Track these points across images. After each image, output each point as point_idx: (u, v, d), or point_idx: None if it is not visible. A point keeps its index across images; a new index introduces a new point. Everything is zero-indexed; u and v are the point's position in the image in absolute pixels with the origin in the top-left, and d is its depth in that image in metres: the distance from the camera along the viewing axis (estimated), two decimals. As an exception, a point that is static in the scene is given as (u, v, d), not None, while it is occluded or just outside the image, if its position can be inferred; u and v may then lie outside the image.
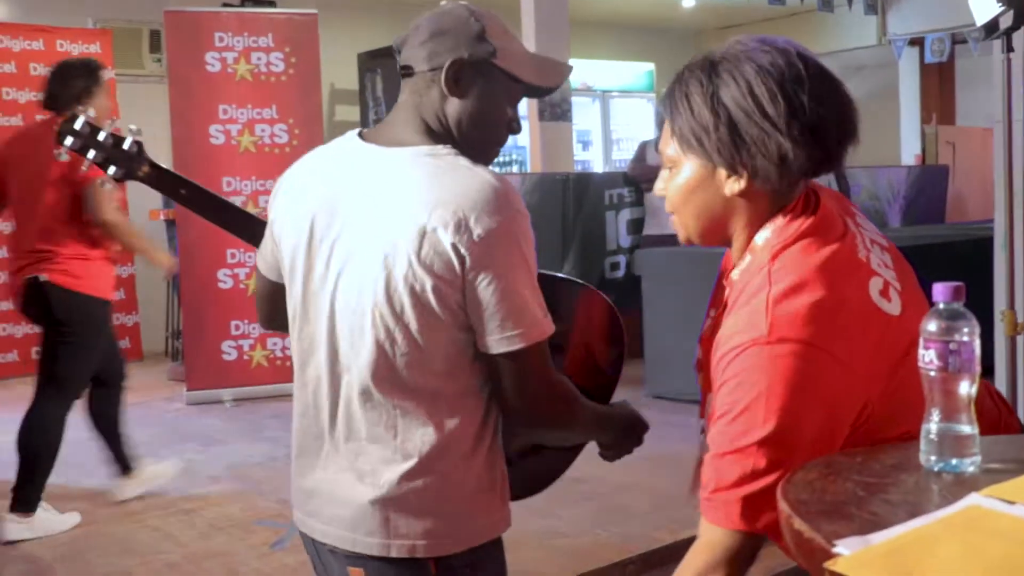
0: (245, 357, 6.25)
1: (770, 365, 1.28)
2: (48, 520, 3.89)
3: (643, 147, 6.98)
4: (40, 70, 7.52)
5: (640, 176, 6.89)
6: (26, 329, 7.42)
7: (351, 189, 1.50)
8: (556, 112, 7.23)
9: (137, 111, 8.18)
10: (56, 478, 4.56)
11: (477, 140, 1.57)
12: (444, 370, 1.47)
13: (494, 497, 1.54)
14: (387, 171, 1.48)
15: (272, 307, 1.69)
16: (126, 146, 1.98)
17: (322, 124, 8.62)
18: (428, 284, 1.41)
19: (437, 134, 1.53)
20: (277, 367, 6.23)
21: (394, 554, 1.46)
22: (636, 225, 7.09)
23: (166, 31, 6.23)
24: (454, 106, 1.53)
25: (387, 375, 1.46)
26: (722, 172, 1.39)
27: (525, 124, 9.18)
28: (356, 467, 1.49)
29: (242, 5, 8.64)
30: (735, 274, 1.46)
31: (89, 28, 8.01)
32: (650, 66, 10.81)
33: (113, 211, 3.94)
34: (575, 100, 8.12)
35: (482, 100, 1.54)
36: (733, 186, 1.39)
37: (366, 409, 1.48)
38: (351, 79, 9.33)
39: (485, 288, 1.42)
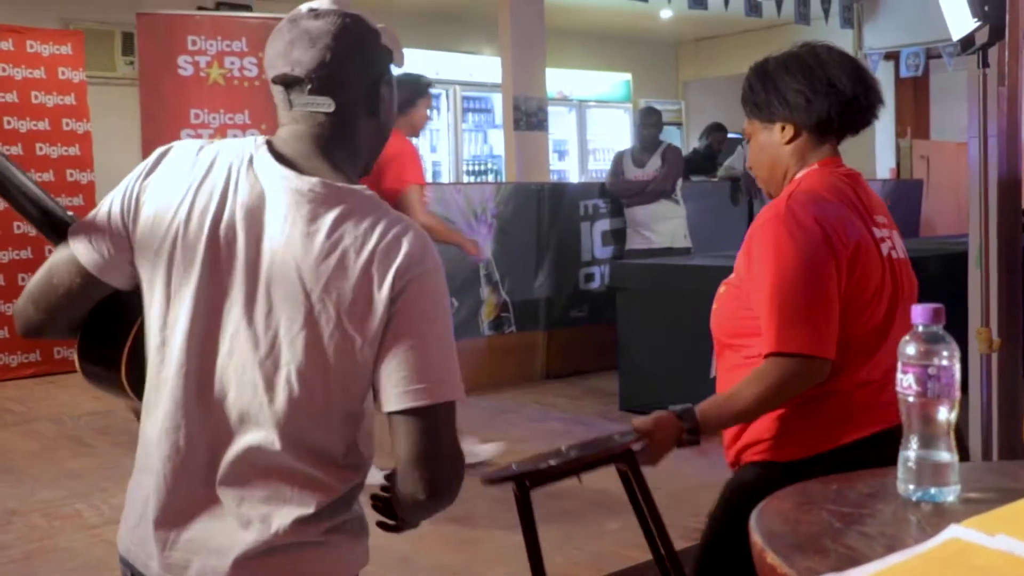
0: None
1: (780, 231, 1.85)
2: (471, 445, 4.30)
3: (619, 160, 6.94)
4: (9, 71, 7.41)
5: (619, 191, 6.84)
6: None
7: (270, 222, 1.37)
8: (532, 121, 7.20)
9: (108, 114, 8.09)
10: (11, 488, 4.48)
11: (379, 150, 1.53)
12: (350, 429, 1.40)
13: (365, 530, 1.48)
14: (312, 211, 1.36)
15: (71, 310, 1.45)
16: None
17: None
18: (356, 343, 1.33)
19: (346, 167, 1.43)
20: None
21: None
22: (611, 236, 7.06)
23: (138, 33, 6.16)
24: (371, 127, 1.46)
25: (298, 435, 1.36)
26: (778, 127, 1.98)
27: (500, 133, 9.18)
28: (239, 513, 1.38)
29: (216, 8, 8.59)
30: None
31: (60, 29, 7.90)
32: (627, 76, 10.80)
33: (425, 213, 4.33)
34: (551, 109, 8.09)
35: (391, 109, 1.49)
36: (785, 135, 1.98)
37: (263, 461, 1.37)
38: (326, 85, 9.27)
39: (405, 341, 1.34)
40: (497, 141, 9.52)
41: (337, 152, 1.42)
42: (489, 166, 9.53)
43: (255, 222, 1.36)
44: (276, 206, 1.36)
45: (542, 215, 6.70)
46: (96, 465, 4.87)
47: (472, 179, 9.18)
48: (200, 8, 8.33)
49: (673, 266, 5.94)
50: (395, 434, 1.35)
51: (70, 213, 1.48)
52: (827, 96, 1.94)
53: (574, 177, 10.13)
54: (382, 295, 1.32)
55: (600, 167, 10.43)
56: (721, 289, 2.02)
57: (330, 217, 1.35)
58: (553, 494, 4.11)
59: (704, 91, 12.46)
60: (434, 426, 1.34)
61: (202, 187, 1.38)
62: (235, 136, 6.18)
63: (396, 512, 1.46)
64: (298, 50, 1.39)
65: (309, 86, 1.39)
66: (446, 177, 9.06)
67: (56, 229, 1.47)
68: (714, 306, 2.03)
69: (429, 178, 9.07)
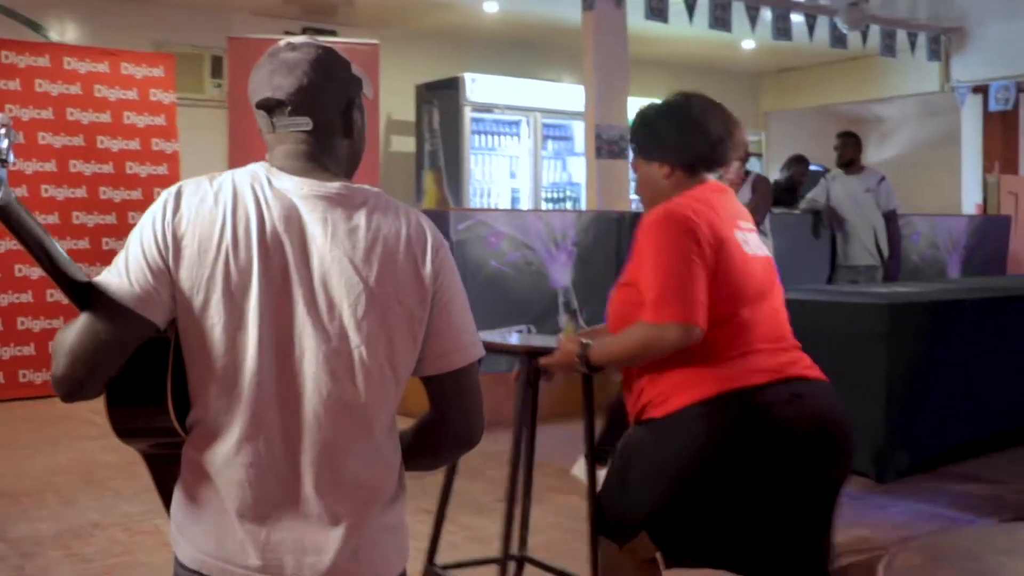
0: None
1: (658, 229, 2.30)
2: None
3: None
4: (104, 92, 7.61)
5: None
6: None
7: (310, 227, 1.52)
8: (613, 150, 7.16)
9: (197, 135, 8.27)
10: (93, 501, 4.54)
11: (354, 169, 1.69)
12: (395, 413, 1.58)
13: None
14: (346, 211, 1.54)
15: (118, 359, 1.48)
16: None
17: (378, 154, 8.62)
18: (414, 315, 1.55)
19: (338, 174, 1.61)
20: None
21: None
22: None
23: (228, 57, 6.28)
24: (346, 147, 1.64)
25: (371, 422, 1.53)
26: (656, 164, 2.43)
27: (579, 160, 9.13)
28: (331, 511, 1.50)
29: (302, 34, 8.74)
30: None
31: (153, 52, 8.10)
32: (707, 106, 10.72)
33: None
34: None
35: (363, 132, 1.68)
36: (663, 171, 2.43)
37: (343, 454, 1.50)
38: (407, 110, 9.35)
39: (448, 310, 1.59)
40: (576, 169, 9.50)
41: (327, 162, 1.59)
42: (568, 194, 9.50)
43: (296, 230, 1.51)
44: (311, 212, 1.53)
45: (622, 244, 6.65)
46: (176, 481, 4.92)
47: (551, 206, 9.17)
48: (286, 33, 8.49)
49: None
50: (441, 391, 1.61)
51: (83, 270, 1.51)
52: (698, 140, 2.40)
53: (651, 206, 10.06)
54: (426, 271, 1.55)
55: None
56: (613, 292, 2.44)
57: (363, 213, 1.55)
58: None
59: (785, 122, 12.32)
60: (475, 379, 1.62)
61: (237, 211, 1.50)
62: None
63: (423, 461, 1.69)
64: (278, 77, 1.57)
65: (289, 108, 1.57)
66: (525, 204, 9.05)
67: (74, 287, 1.48)
68: (608, 308, 2.45)
69: (507, 204, 9.08)
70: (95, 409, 5.34)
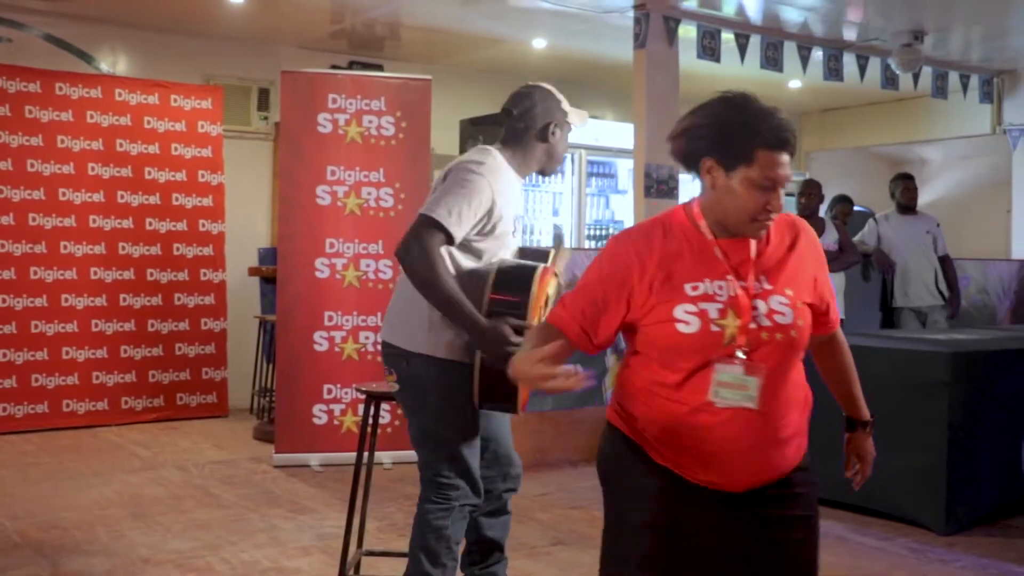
0: (335, 422, 6.14)
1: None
2: None
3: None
4: (153, 123, 7.66)
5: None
6: (117, 378, 7.44)
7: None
8: (662, 189, 7.08)
9: (241, 167, 8.29)
10: (142, 536, 4.47)
11: None
12: None
13: None
14: None
15: None
16: None
17: (429, 189, 8.58)
18: None
19: None
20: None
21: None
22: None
23: (281, 90, 6.26)
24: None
25: None
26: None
27: (622, 198, 9.05)
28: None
29: (350, 67, 8.76)
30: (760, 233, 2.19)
31: (202, 85, 8.14)
32: (752, 146, 10.62)
33: None
34: (681, 176, 7.96)
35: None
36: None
37: None
38: (452, 145, 9.31)
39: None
40: (619, 206, 9.45)
41: None
42: (611, 231, 9.42)
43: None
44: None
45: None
46: (223, 517, 4.85)
47: (594, 244, 9.09)
48: (333, 67, 8.51)
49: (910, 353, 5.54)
50: None
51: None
52: None
53: (695, 245, 9.94)
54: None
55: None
56: (796, 320, 2.14)
57: None
58: None
59: (827, 163, 12.18)
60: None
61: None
62: (369, 193, 6.22)
63: None
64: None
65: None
66: (568, 242, 8.99)
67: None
68: (795, 331, 2.12)
69: (549, 242, 9.01)
70: (137, 441, 5.37)
